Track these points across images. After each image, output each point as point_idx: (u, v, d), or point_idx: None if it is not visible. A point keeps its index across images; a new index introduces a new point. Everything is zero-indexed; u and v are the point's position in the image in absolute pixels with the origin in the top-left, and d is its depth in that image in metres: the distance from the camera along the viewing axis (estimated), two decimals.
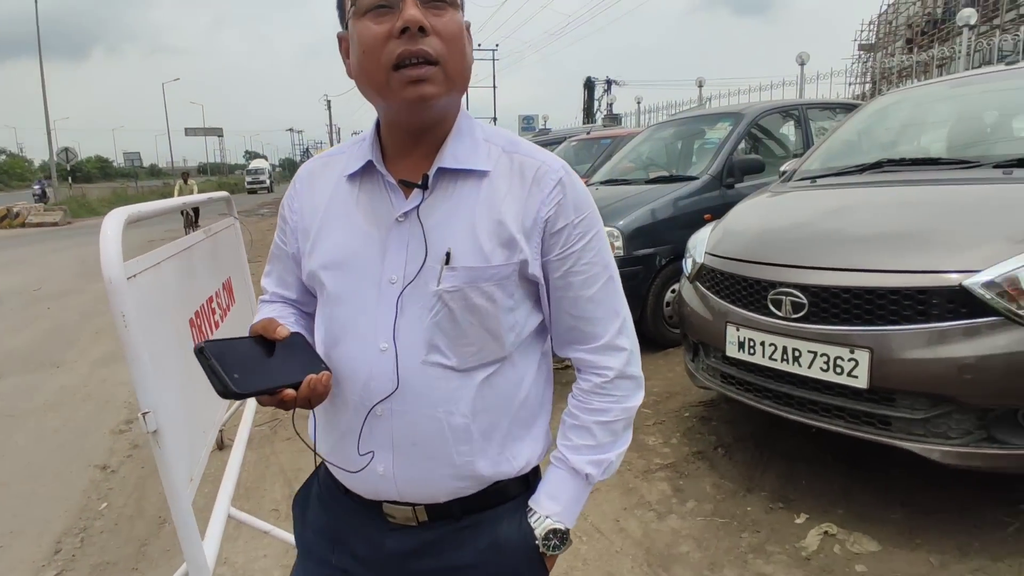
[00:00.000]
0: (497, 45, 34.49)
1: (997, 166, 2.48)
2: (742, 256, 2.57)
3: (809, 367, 2.21)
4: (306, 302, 1.00)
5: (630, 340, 0.97)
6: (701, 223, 3.47)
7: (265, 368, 0.80)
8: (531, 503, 0.94)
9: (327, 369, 0.83)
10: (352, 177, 0.90)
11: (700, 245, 2.91)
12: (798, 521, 2.35)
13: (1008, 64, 3.75)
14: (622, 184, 4.95)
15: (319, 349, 0.90)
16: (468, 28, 0.87)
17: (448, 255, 0.83)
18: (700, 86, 12.45)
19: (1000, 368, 1.85)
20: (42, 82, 25.14)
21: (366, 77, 0.81)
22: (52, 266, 11.03)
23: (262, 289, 1.05)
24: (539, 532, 0.92)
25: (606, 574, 2.20)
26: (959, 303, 1.94)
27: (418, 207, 0.84)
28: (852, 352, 2.09)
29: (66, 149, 28.86)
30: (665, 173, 4.89)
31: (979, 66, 8.85)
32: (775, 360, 2.31)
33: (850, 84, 18.64)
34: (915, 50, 18.08)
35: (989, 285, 1.90)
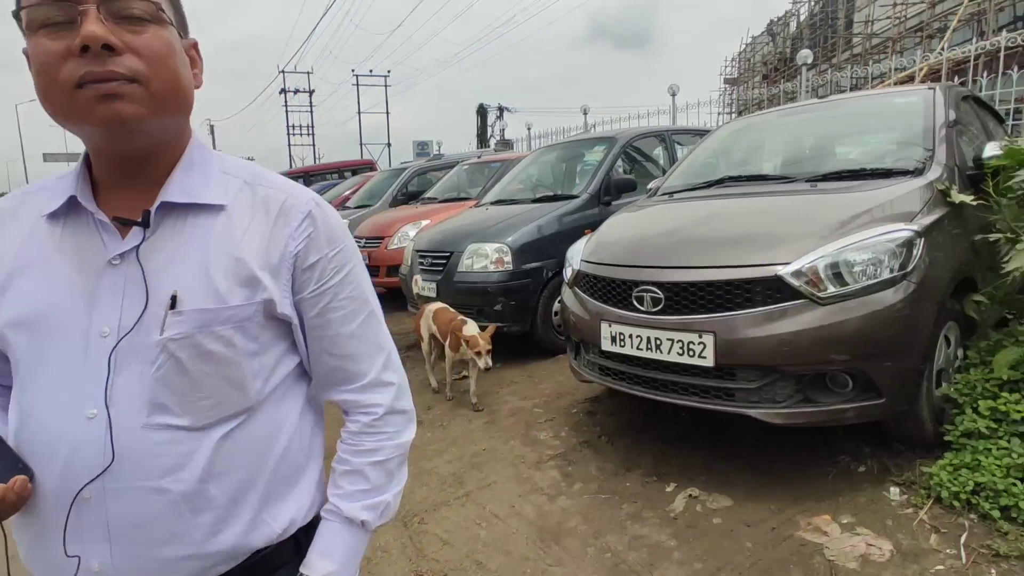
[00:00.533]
0: (388, 71, 34.62)
1: (808, 180, 3.01)
2: (611, 262, 2.92)
3: (668, 352, 2.57)
4: (3, 372, 0.81)
5: (397, 374, 0.91)
6: (582, 237, 3.84)
7: None
8: (302, 569, 0.83)
9: (25, 472, 0.70)
10: (53, 217, 0.77)
11: (577, 255, 3.25)
12: (668, 490, 2.69)
13: (820, 98, 4.46)
14: (510, 204, 5.28)
15: (11, 432, 0.75)
16: (195, 47, 0.80)
17: (174, 299, 0.73)
18: (585, 113, 13.26)
19: (807, 340, 2.29)
20: None
21: (46, 100, 0.70)
22: None
23: None
24: None
25: (504, 553, 2.41)
26: (776, 290, 2.36)
27: (137, 247, 0.74)
28: (700, 337, 2.46)
29: None
30: (550, 193, 5.28)
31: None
32: (641, 349, 2.65)
33: (719, 113, 20.48)
34: (768, 84, 20.21)
35: (797, 274, 2.34)
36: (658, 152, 5.85)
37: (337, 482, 0.87)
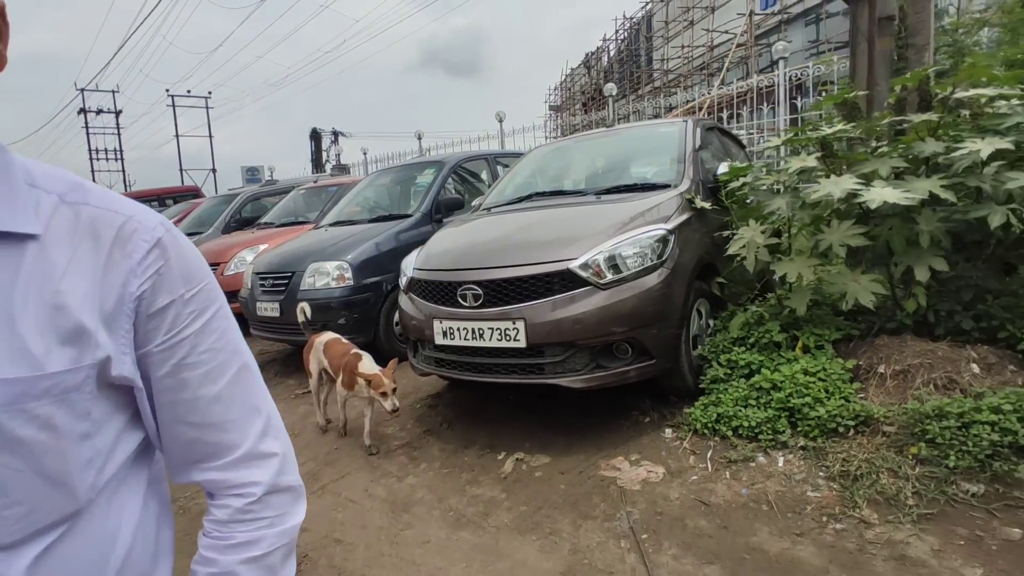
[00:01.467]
0: (210, 92, 32.51)
1: (596, 193, 3.71)
2: (439, 267, 3.37)
3: (490, 339, 3.05)
4: None
5: (279, 441, 0.73)
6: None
7: None
8: None
9: None
10: None
11: (410, 265, 3.66)
12: (499, 458, 3.16)
13: (607, 127, 5.34)
14: (349, 224, 5.56)
15: None
16: (3, 12, 0.61)
17: None
18: (419, 138, 13.73)
19: (595, 319, 2.90)
20: None
21: None
22: None
23: None
24: None
25: (360, 527, 2.72)
26: (569, 280, 2.96)
27: None
28: (514, 323, 2.98)
29: None
30: (386, 213, 5.64)
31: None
32: (468, 339, 3.12)
33: (545, 137, 22.17)
34: (585, 112, 22.28)
35: (584, 266, 2.95)
36: (484, 173, 6.47)
37: None
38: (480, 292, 3.07)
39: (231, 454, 0.69)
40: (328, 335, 3.72)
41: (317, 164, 28.53)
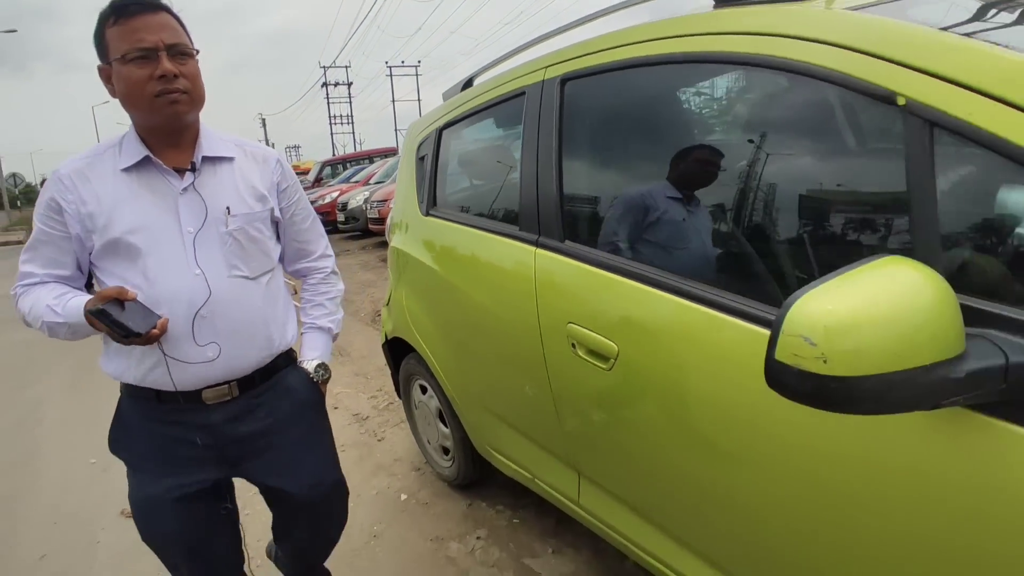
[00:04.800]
0: (419, 62, 36.08)
1: None
2: None
3: None
4: (75, 278, 1.23)
5: (331, 252, 1.51)
6: None
7: (137, 317, 1.08)
8: (301, 359, 1.40)
9: (160, 316, 1.12)
10: (127, 170, 1.17)
11: None
12: None
13: None
14: None
15: (142, 292, 1.14)
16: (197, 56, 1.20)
17: (228, 208, 1.21)
18: None
19: None
20: None
21: (135, 103, 1.13)
22: None
23: (23, 275, 1.22)
24: (311, 368, 1.39)
25: None
26: None
27: (193, 183, 1.19)
28: None
29: (14, 175, 29.24)
30: None
31: None
32: None
33: None
34: None
35: None
36: None
37: (308, 312, 1.46)
38: None
39: (314, 255, 1.47)
40: None
41: None
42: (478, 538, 2.05)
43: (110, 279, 1.16)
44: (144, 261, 1.15)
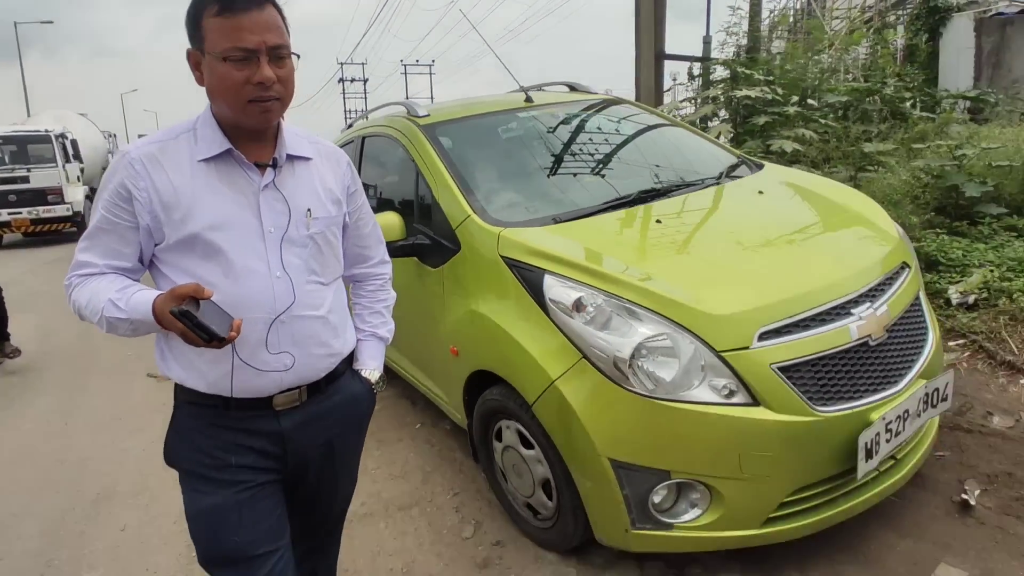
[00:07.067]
0: (433, 61, 37.50)
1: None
2: None
3: None
4: (136, 271, 1.18)
5: (389, 259, 1.49)
6: None
7: (216, 318, 1.02)
8: (359, 366, 1.38)
9: (233, 318, 1.05)
10: (206, 161, 1.13)
11: None
12: None
13: None
14: None
15: (221, 293, 1.08)
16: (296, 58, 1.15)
17: (309, 211, 1.19)
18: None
19: None
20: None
21: (226, 102, 1.09)
22: None
23: (80, 264, 1.15)
24: (372, 378, 1.38)
25: None
26: None
27: (273, 180, 1.16)
28: None
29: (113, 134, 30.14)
30: None
31: None
32: None
33: None
34: None
35: None
36: None
37: (366, 319, 1.43)
38: None
39: (373, 260, 1.46)
40: None
41: None
42: None
43: (179, 276, 1.12)
44: (225, 259, 1.12)
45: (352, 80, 38.92)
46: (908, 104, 6.28)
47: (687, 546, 1.75)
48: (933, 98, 7.02)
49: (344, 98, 38.99)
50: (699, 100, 6.20)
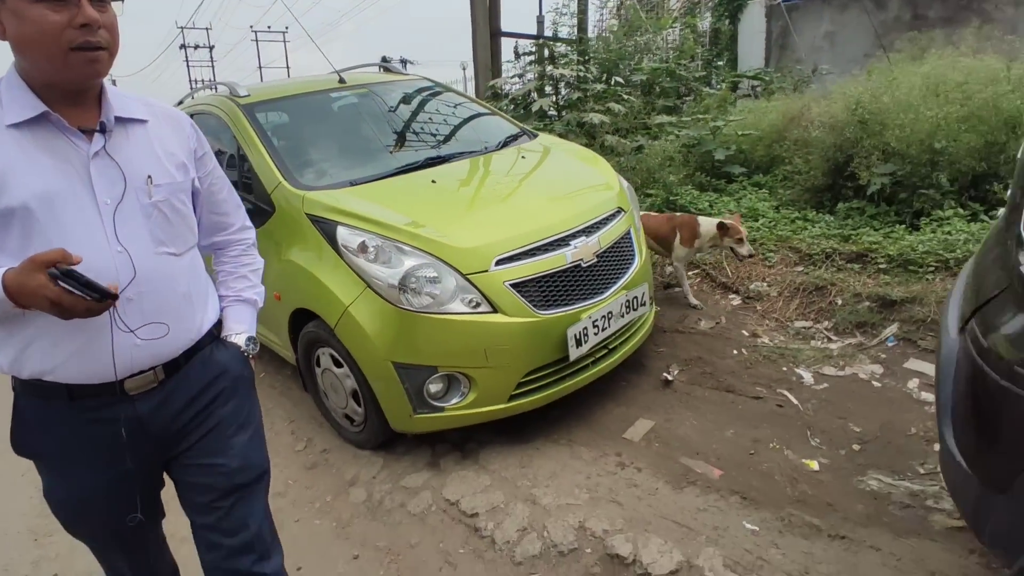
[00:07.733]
0: (287, 28, 35.58)
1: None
2: None
3: None
4: None
5: (251, 222, 1.43)
6: None
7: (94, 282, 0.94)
8: (225, 332, 1.31)
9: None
10: (17, 126, 1.00)
11: None
12: None
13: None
14: None
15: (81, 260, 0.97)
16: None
17: (150, 177, 1.11)
18: (463, 69, 15.49)
19: None
20: None
21: (42, 52, 0.97)
22: None
23: None
24: (240, 342, 1.31)
25: None
26: None
27: (104, 147, 1.06)
28: None
29: None
30: None
31: None
32: None
33: None
34: None
35: None
36: None
37: (230, 284, 1.37)
38: None
39: (233, 227, 1.39)
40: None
41: None
42: None
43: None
44: (47, 237, 1.01)
45: (196, 47, 36.01)
46: (701, 82, 7.37)
47: (456, 422, 2.37)
48: (724, 77, 8.25)
49: (188, 66, 36.04)
50: (524, 77, 6.87)
